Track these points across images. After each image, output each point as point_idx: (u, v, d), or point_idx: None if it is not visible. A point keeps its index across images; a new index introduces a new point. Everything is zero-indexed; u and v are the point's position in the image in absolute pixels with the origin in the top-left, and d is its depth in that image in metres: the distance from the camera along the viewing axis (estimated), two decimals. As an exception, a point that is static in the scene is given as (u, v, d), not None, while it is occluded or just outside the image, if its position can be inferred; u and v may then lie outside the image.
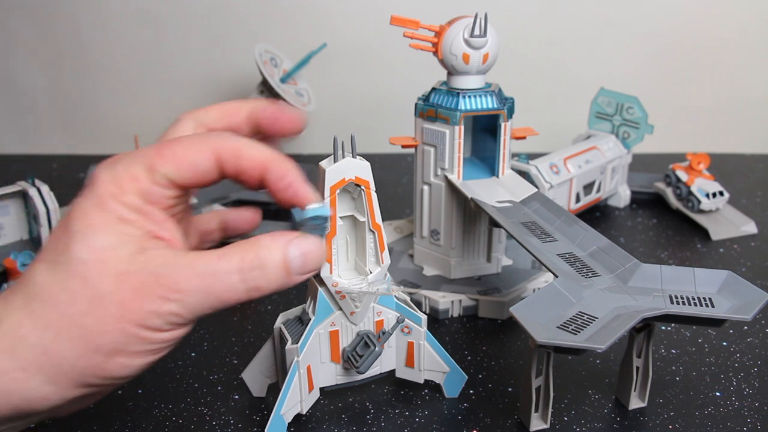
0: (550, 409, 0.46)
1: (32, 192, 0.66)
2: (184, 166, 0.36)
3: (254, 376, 0.50)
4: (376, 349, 0.46)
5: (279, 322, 0.48)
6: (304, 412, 0.47)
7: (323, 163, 0.43)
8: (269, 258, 0.36)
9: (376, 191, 0.44)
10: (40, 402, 0.33)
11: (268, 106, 0.40)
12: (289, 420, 0.46)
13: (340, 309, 0.46)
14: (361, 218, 0.45)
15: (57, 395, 0.33)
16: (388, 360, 0.49)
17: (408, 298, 0.49)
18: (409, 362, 0.49)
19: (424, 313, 0.61)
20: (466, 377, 0.50)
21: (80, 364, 0.33)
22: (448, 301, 0.61)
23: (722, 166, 0.95)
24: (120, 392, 0.51)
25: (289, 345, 0.45)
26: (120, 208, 0.35)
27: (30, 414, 0.33)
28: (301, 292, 0.48)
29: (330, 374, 0.48)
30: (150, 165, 0.36)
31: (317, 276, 0.44)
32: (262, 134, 0.40)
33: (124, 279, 0.33)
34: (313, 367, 0.46)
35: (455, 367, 0.49)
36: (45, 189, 0.66)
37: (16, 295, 0.34)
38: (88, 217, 0.34)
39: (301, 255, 0.37)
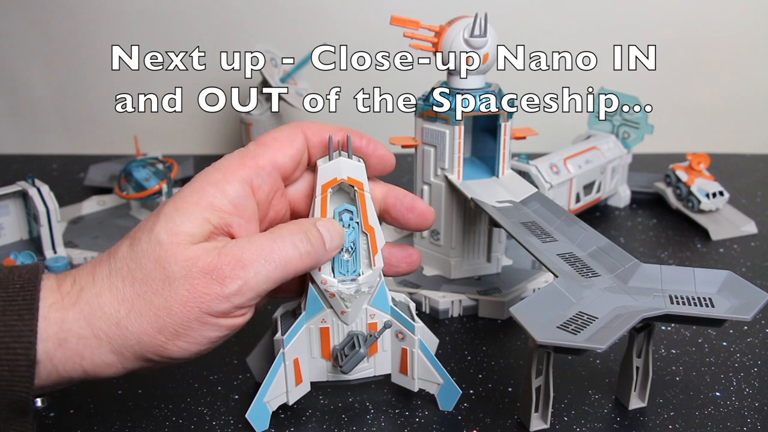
0: (550, 409, 0.46)
1: (32, 192, 0.66)
2: (284, 147, 0.41)
3: (257, 362, 0.51)
4: (361, 350, 0.46)
5: (278, 312, 0.49)
6: (290, 404, 0.47)
7: (319, 161, 0.44)
8: (310, 231, 0.40)
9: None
10: (103, 369, 0.36)
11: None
12: (274, 409, 0.47)
13: (331, 307, 0.46)
14: (356, 219, 0.45)
15: (119, 364, 0.36)
16: (382, 364, 0.49)
17: (411, 303, 0.49)
18: (403, 369, 0.49)
19: (424, 313, 0.61)
20: (460, 392, 0.49)
21: (144, 341, 0.35)
22: (448, 301, 0.61)
23: (722, 166, 0.95)
24: (120, 392, 0.51)
25: (277, 336, 0.46)
26: (216, 195, 0.38)
27: (94, 379, 0.36)
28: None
29: (321, 370, 0.48)
30: (253, 154, 0.40)
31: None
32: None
33: (194, 263, 0.36)
34: (301, 361, 0.47)
35: (449, 380, 0.48)
36: (45, 189, 0.66)
37: (102, 266, 0.37)
38: (181, 201, 0.37)
39: (327, 231, 0.42)
